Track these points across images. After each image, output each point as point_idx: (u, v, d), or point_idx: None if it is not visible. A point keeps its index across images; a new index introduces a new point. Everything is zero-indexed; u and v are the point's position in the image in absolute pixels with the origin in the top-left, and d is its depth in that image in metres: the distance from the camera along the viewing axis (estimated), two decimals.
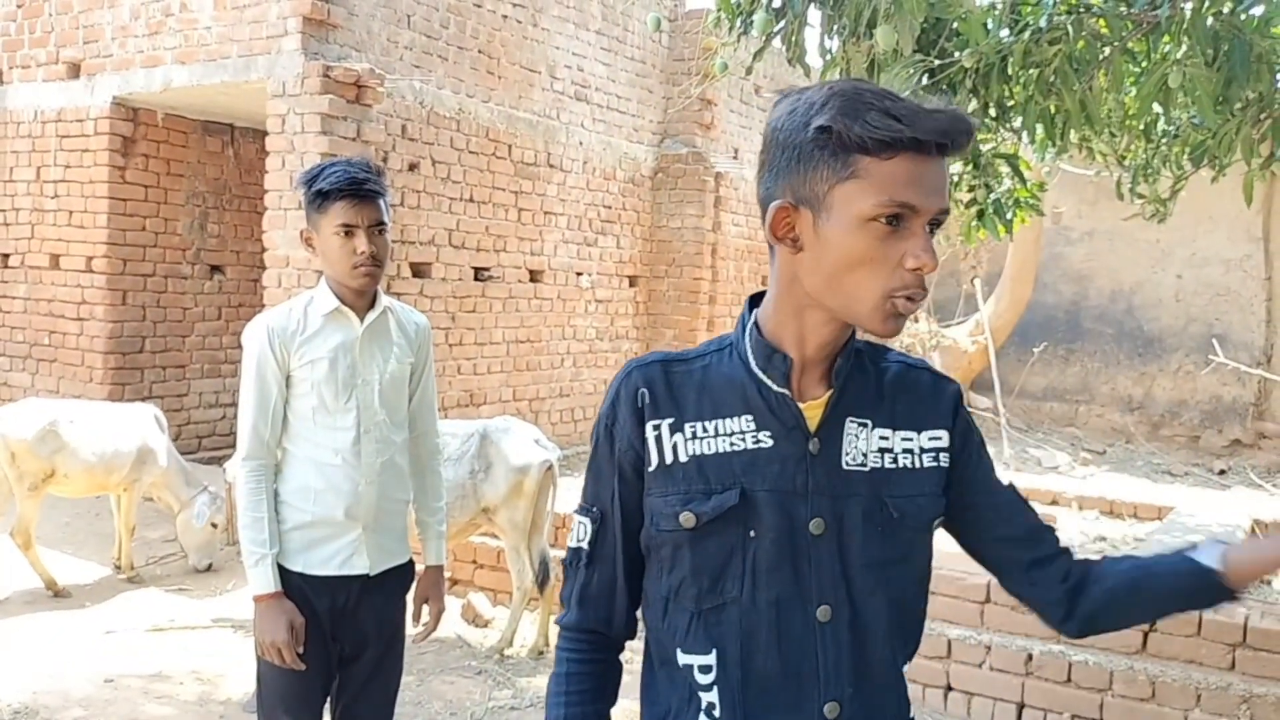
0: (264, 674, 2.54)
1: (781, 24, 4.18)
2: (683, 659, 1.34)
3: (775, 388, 1.31)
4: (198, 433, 8.09)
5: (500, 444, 4.83)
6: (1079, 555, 1.43)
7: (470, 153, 7.78)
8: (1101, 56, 4.34)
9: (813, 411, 1.32)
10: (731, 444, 1.31)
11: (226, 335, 8.25)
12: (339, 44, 6.69)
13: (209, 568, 5.85)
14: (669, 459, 1.33)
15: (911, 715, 1.40)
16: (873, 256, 1.22)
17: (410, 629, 2.71)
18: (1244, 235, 10.58)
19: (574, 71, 8.86)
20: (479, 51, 7.84)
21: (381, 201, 2.50)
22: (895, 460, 1.34)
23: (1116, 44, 4.27)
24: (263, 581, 2.41)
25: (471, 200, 7.82)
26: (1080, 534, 6.46)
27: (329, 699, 2.62)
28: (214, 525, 5.66)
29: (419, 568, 2.73)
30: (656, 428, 1.34)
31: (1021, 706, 4.21)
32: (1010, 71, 4.45)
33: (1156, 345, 11.01)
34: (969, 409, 1.42)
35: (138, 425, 5.56)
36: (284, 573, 2.45)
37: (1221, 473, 10.04)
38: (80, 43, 7.48)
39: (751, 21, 4.08)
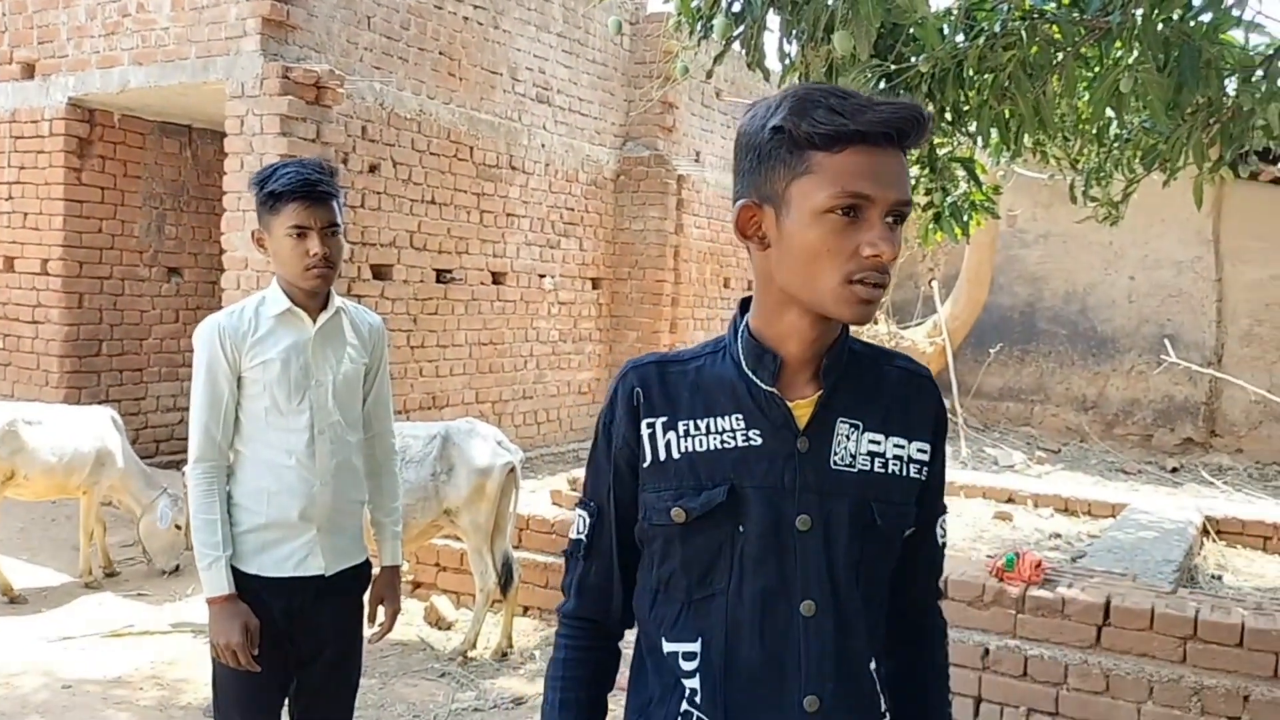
0: (220, 677, 2.52)
1: (741, 28, 4.21)
2: (668, 647, 1.38)
3: (764, 386, 1.34)
4: (156, 436, 8.00)
5: (462, 446, 4.83)
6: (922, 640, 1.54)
7: (431, 154, 7.77)
8: (1055, 61, 4.41)
9: (802, 410, 1.35)
10: (722, 441, 1.35)
11: (184, 338, 8.16)
12: (298, 45, 6.65)
13: (176, 570, 5.81)
14: (662, 456, 1.37)
15: (884, 710, 1.42)
16: (830, 247, 1.26)
17: (367, 630, 2.71)
18: (1195, 237, 10.77)
19: (535, 74, 8.87)
20: (440, 53, 7.83)
21: (335, 203, 2.48)
22: (885, 465, 1.37)
23: (1069, 49, 4.33)
24: (216, 584, 2.40)
25: (433, 202, 7.80)
26: (1035, 531, 6.56)
27: (287, 701, 2.62)
28: (177, 527, 5.61)
29: (375, 569, 2.73)
30: (651, 425, 1.38)
31: (979, 700, 4.27)
32: (965, 76, 4.50)
33: (1110, 346, 11.18)
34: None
35: (96, 427, 5.51)
36: (238, 575, 2.43)
37: (1174, 470, 10.21)
38: (35, 43, 7.38)
39: (711, 26, 4.11)
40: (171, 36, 6.74)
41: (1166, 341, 10.64)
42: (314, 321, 2.51)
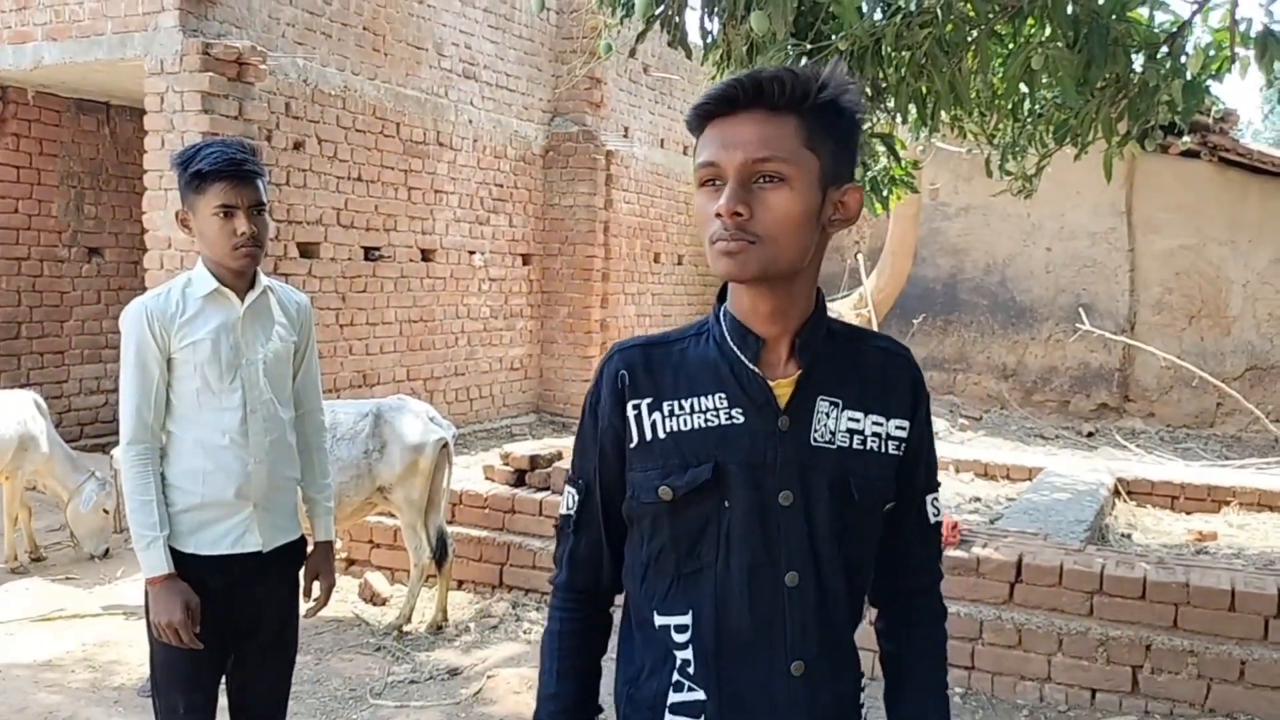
0: (157, 655, 2.54)
1: (661, 7, 4.28)
2: (659, 620, 1.44)
3: (748, 365, 1.40)
4: (80, 419, 7.88)
5: (394, 423, 4.86)
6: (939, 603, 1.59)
7: (357, 131, 7.72)
8: (970, 39, 4.53)
9: (783, 389, 1.40)
10: (706, 420, 1.40)
11: (107, 319, 8.04)
12: (218, 21, 6.56)
13: (105, 554, 5.76)
14: (648, 436, 1.42)
15: (860, 675, 1.49)
16: (702, 214, 1.38)
17: (303, 605, 2.76)
18: (1109, 209, 11.11)
19: (461, 49, 8.84)
20: (364, 29, 7.77)
21: (260, 182, 2.50)
22: (864, 443, 1.42)
23: (983, 27, 4.45)
24: (155, 564, 2.42)
25: (360, 179, 7.77)
26: (956, 495, 6.78)
27: (224, 677, 2.65)
28: (105, 511, 5.56)
29: (309, 546, 2.77)
30: (636, 407, 1.43)
31: None
32: (884, 54, 4.59)
33: (1028, 315, 11.52)
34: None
35: (19, 411, 5.43)
36: (176, 554, 2.45)
37: (1090, 435, 10.58)
38: None
39: (633, 5, 4.18)
40: (86, 11, 6.61)
41: (1082, 310, 10.99)
42: (242, 301, 2.53)
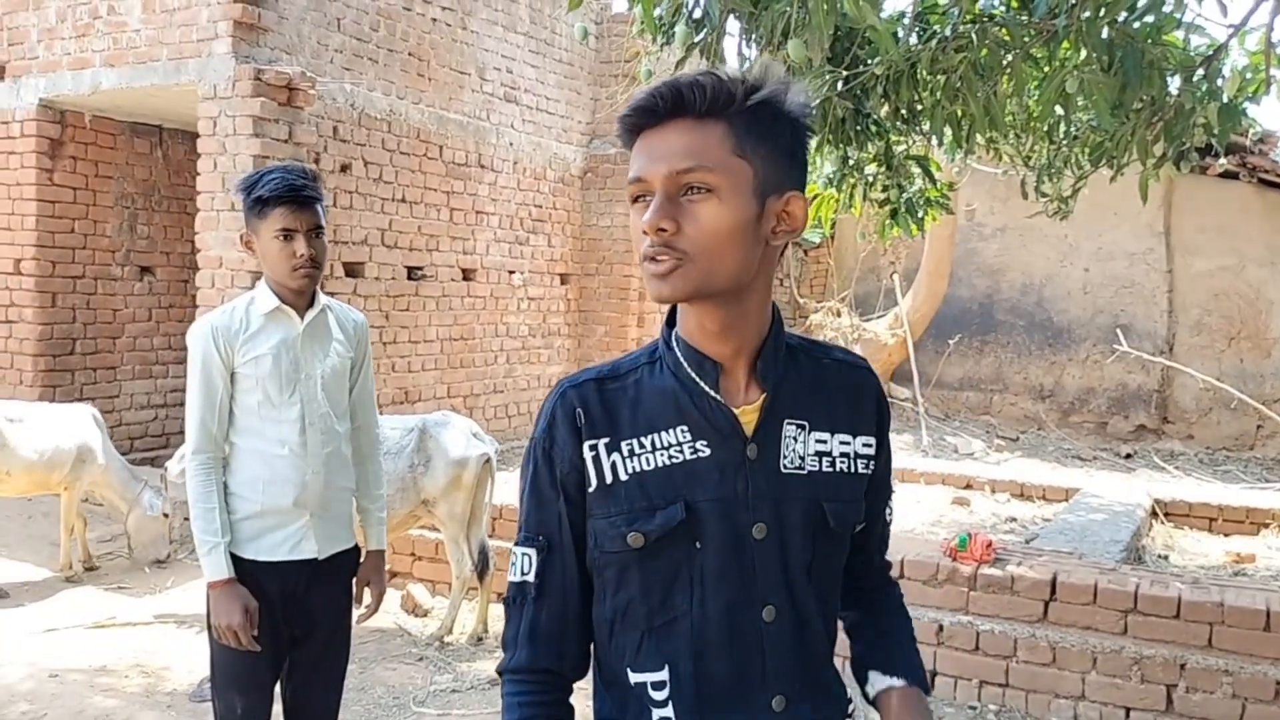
0: (217, 657, 2.67)
1: (701, 35, 4.39)
2: (634, 678, 1.34)
3: (711, 394, 1.31)
4: (130, 434, 8.08)
5: (439, 438, 4.98)
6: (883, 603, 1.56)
7: (402, 154, 7.90)
8: (1004, 63, 4.59)
9: (748, 416, 1.32)
10: (670, 457, 1.30)
11: (157, 336, 8.26)
12: (269, 47, 6.76)
13: (166, 559, 5.96)
14: (608, 479, 1.31)
15: (850, 696, 1.45)
16: (634, 232, 1.30)
17: (355, 611, 2.87)
18: (1147, 230, 11.08)
19: (503, 74, 9.01)
20: (409, 54, 7.96)
21: (319, 206, 2.63)
22: (833, 464, 1.35)
23: (1018, 51, 4.51)
24: (216, 569, 2.55)
25: (404, 200, 7.94)
26: (992, 515, 6.80)
27: (279, 680, 2.77)
28: (165, 515, 5.75)
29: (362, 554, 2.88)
30: (594, 448, 1.32)
31: (934, 674, 4.49)
32: (919, 77, 4.68)
33: (1065, 336, 11.48)
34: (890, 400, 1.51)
35: (77, 424, 5.63)
36: (236, 560, 2.58)
37: (1128, 456, 10.52)
38: (5, 45, 7.45)
39: (673, 33, 4.29)
40: (143, 39, 6.83)
41: (1120, 331, 10.95)
42: (302, 319, 2.66)
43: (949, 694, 4.46)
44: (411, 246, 8.04)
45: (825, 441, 1.36)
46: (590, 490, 1.32)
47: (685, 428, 1.31)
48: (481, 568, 5.11)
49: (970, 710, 4.38)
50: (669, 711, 1.32)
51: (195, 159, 6.77)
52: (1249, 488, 8.62)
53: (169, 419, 8.35)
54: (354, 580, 2.83)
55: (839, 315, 11.62)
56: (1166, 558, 6.32)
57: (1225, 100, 4.78)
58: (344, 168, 7.36)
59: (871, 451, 1.40)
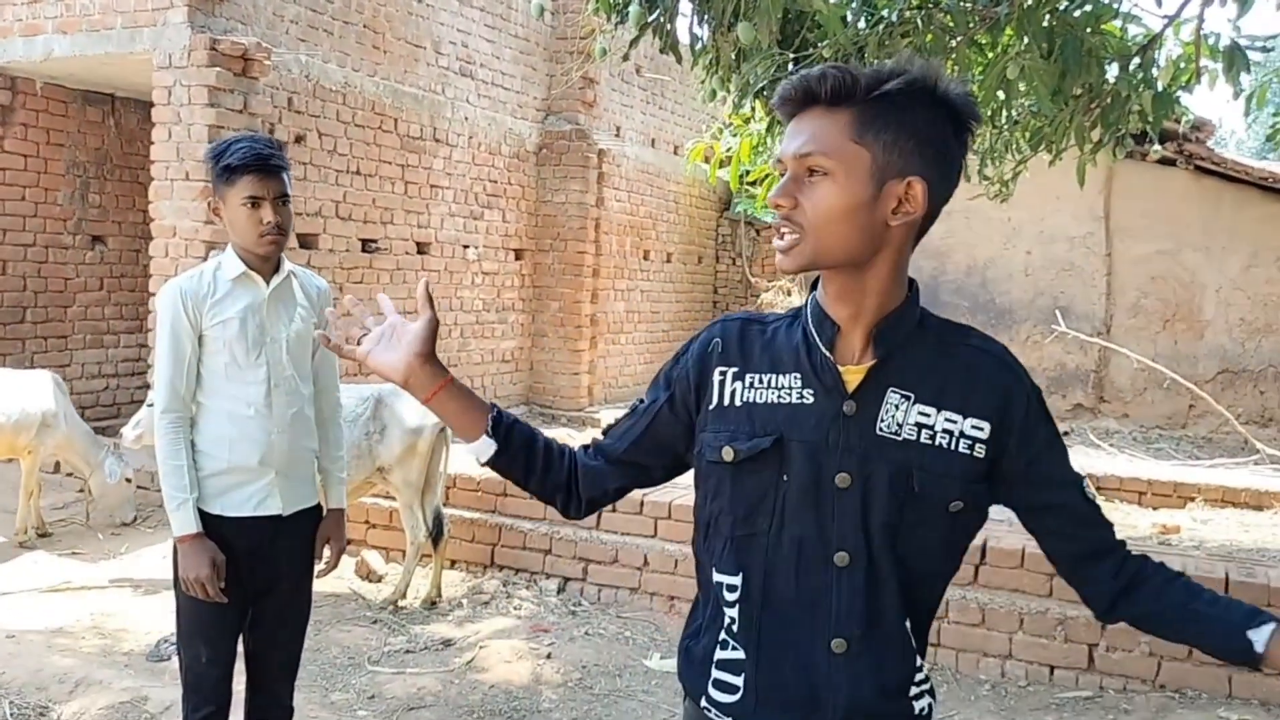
0: (183, 608, 2.77)
1: (655, 15, 4.51)
2: (715, 577, 1.51)
3: (823, 349, 1.44)
4: (81, 403, 8.02)
5: (395, 407, 5.08)
6: (1136, 552, 1.52)
7: (356, 126, 7.93)
8: (949, 48, 4.74)
9: (853, 376, 1.44)
10: (779, 396, 1.46)
11: (109, 305, 8.24)
12: (225, 17, 6.77)
13: (134, 520, 6.03)
14: (726, 401, 1.49)
15: (920, 664, 1.49)
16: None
17: (316, 567, 2.98)
18: (1087, 214, 11.39)
19: (459, 48, 9.05)
20: (364, 26, 7.97)
21: (285, 175, 2.73)
22: (933, 438, 1.42)
23: (962, 37, 4.66)
24: (185, 523, 2.65)
25: (358, 173, 7.97)
26: None
27: (243, 631, 2.87)
28: (128, 480, 5.81)
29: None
30: (723, 373, 1.51)
31: None
32: (866, 61, 4.81)
33: (1008, 316, 11.79)
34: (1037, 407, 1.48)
35: (40, 390, 5.68)
36: (203, 515, 2.68)
37: (1066, 434, 10.78)
38: None
39: (627, 12, 4.40)
40: (97, 6, 6.80)
41: (1059, 313, 11.27)
42: (267, 284, 2.76)
43: None
44: (366, 219, 8.08)
45: (929, 415, 1.43)
46: (710, 407, 1.51)
47: (798, 375, 1.46)
48: (436, 534, 5.23)
49: None
50: (735, 613, 1.48)
51: (148, 128, 6.76)
52: (1179, 464, 8.96)
53: (120, 388, 8.35)
54: (315, 536, 2.94)
55: (789, 295, 11.82)
56: None
57: (1160, 89, 4.98)
58: (299, 139, 7.38)
59: (981, 435, 1.43)
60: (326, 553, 2.99)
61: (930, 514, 1.43)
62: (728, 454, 1.47)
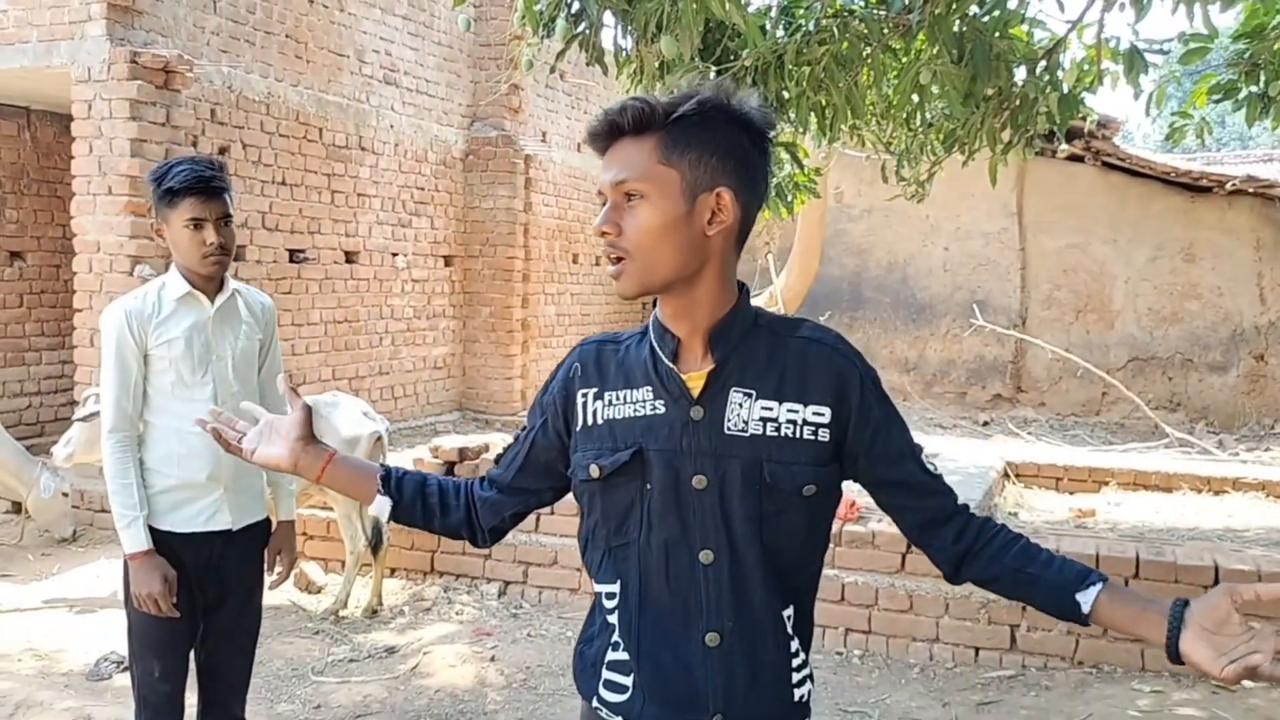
0: (135, 624, 2.79)
1: (580, 28, 4.60)
2: (598, 587, 1.62)
3: (666, 361, 1.53)
4: (4, 421, 7.88)
5: (330, 418, 5.11)
6: (980, 515, 1.61)
7: (281, 136, 7.90)
8: (864, 55, 4.90)
9: (696, 382, 1.52)
10: (635, 410, 1.54)
11: (29, 322, 8.09)
12: (145, 29, 6.71)
13: (75, 535, 5.98)
14: (590, 421, 1.58)
15: (795, 650, 1.55)
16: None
17: (266, 579, 3.03)
18: (1001, 211, 11.77)
19: (382, 56, 9.05)
20: (287, 36, 7.95)
21: (227, 196, 2.78)
22: (778, 429, 1.50)
23: (876, 44, 4.82)
24: (135, 540, 2.68)
25: (284, 183, 7.94)
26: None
27: (195, 645, 2.91)
28: (64, 495, 5.75)
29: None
30: (584, 395, 1.60)
31: None
32: (786, 69, 4.95)
33: (928, 311, 12.13)
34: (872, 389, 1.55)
35: None
36: (153, 532, 2.71)
37: (985, 424, 11.20)
38: None
39: (553, 25, 4.49)
40: (11, 20, 6.69)
41: (976, 307, 11.63)
42: (212, 303, 2.81)
43: (818, 642, 4.83)
44: (293, 229, 8.05)
45: (772, 408, 1.50)
46: (577, 429, 1.60)
47: (650, 388, 1.55)
48: (375, 543, 5.26)
49: (837, 655, 4.76)
50: (615, 619, 1.58)
51: (66, 142, 6.68)
52: (1094, 450, 9.32)
53: (43, 406, 8.20)
54: (266, 549, 2.99)
55: None
56: (1016, 514, 6.86)
57: (1065, 91, 5.22)
58: (222, 150, 7.34)
59: (823, 420, 1.50)
60: (279, 565, 3.04)
61: (787, 502, 1.50)
62: (594, 470, 1.56)
